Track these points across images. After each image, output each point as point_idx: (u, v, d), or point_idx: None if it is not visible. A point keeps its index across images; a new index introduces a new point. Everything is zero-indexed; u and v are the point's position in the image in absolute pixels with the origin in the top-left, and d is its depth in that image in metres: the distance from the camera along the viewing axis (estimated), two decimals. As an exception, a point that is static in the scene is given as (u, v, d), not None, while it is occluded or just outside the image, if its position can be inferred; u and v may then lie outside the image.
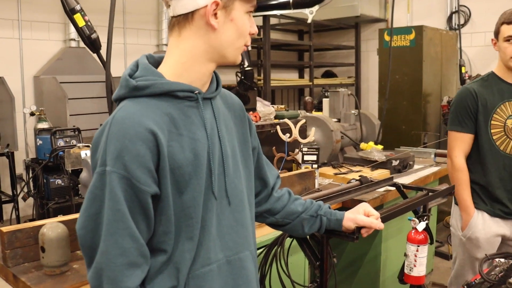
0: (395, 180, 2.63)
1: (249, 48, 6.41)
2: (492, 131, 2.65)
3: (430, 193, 2.33)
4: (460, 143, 2.73)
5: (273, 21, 8.02)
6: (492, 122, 2.65)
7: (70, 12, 1.87)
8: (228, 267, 1.38)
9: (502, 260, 2.07)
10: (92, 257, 1.22)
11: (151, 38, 7.54)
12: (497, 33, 2.63)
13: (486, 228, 2.70)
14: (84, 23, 1.87)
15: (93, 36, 1.92)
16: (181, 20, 1.31)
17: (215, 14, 1.29)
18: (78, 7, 1.88)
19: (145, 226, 1.24)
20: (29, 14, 6.28)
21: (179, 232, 1.28)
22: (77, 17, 1.86)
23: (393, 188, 2.91)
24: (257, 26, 8.45)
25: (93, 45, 1.91)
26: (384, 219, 1.79)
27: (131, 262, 1.20)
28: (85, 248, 1.23)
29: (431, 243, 2.77)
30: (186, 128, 1.29)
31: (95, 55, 6.78)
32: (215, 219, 1.35)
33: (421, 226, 2.42)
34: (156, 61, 1.38)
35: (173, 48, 1.34)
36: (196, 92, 1.32)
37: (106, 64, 1.94)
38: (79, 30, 1.89)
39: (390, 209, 2.05)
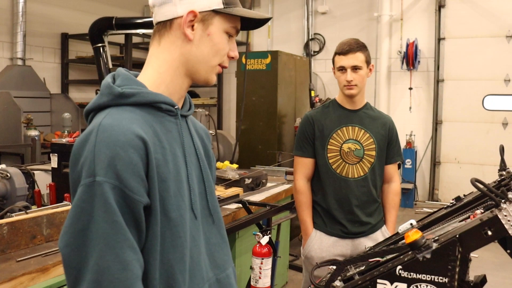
0: (243, 197, 2.78)
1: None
2: (329, 155, 2.77)
3: (272, 208, 2.51)
4: (301, 167, 2.85)
5: (136, 39, 7.97)
6: (329, 146, 2.78)
7: None
8: (218, 286, 1.36)
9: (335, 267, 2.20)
10: (78, 277, 1.08)
11: (4, 50, 7.09)
12: (333, 62, 2.80)
13: (322, 247, 2.78)
14: None
15: None
16: (161, 28, 1.30)
17: (193, 26, 1.28)
18: None
19: (137, 241, 1.14)
20: None
21: (166, 253, 1.20)
22: None
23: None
24: (119, 44, 8.26)
25: None
26: (229, 232, 1.88)
27: (136, 275, 1.11)
28: (71, 268, 1.10)
29: (275, 256, 2.95)
30: (168, 142, 1.24)
31: None
32: (203, 238, 1.33)
33: (264, 240, 2.60)
34: (133, 74, 1.33)
35: (152, 58, 1.32)
36: (176, 107, 1.29)
37: None
38: None
39: (234, 223, 2.18)
